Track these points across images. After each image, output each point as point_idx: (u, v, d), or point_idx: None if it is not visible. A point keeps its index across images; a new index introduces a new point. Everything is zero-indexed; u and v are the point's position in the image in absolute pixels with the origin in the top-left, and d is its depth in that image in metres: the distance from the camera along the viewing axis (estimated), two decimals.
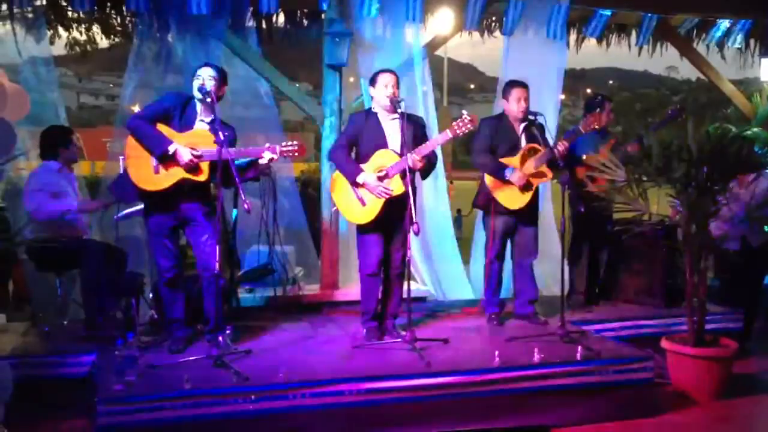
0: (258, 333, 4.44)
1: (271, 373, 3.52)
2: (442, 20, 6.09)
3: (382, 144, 4.22)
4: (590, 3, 6.09)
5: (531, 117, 4.58)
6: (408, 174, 3.97)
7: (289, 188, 6.15)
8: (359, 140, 4.26)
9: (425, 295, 5.79)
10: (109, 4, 5.62)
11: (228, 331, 4.16)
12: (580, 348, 4.02)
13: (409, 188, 3.97)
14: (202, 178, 3.88)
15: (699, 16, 6.57)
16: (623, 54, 7.36)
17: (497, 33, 6.52)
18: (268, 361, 3.80)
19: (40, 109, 5.31)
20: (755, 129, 6.60)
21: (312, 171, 10.51)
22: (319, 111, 5.57)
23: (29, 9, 5.26)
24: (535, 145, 4.61)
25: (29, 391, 3.76)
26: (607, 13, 6.14)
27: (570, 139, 4.58)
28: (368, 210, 4.17)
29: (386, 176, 4.13)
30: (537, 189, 4.71)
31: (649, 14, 6.21)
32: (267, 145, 3.92)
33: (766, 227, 5.22)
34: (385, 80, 4.22)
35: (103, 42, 7.34)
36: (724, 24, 6.67)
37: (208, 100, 3.88)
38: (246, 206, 3.63)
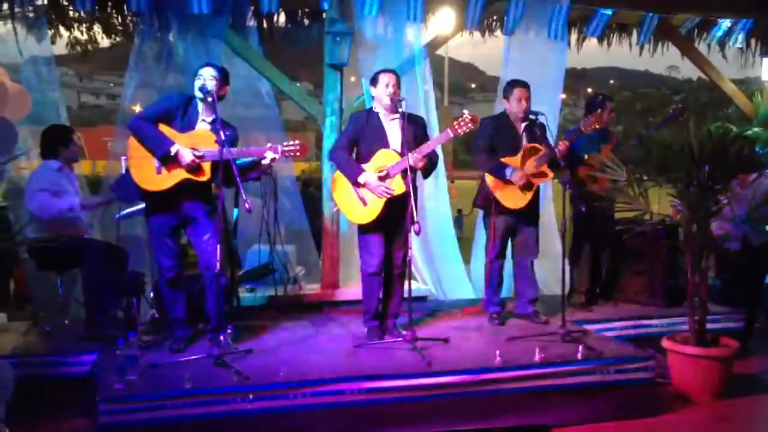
0: (259, 332, 4.44)
1: (271, 373, 3.52)
2: (443, 20, 6.09)
3: (383, 144, 4.22)
4: (591, 2, 6.08)
5: (532, 116, 4.58)
6: (409, 173, 3.97)
7: (290, 187, 6.14)
8: (360, 140, 4.26)
9: (426, 295, 5.80)
10: (110, 3, 5.61)
11: (229, 331, 4.14)
12: (580, 348, 4.01)
13: (410, 188, 3.97)
14: (204, 178, 3.88)
15: (700, 16, 6.57)
16: (624, 53, 7.37)
17: (498, 32, 6.51)
18: (269, 360, 3.80)
19: (42, 108, 5.31)
20: (756, 129, 6.58)
21: (313, 170, 10.53)
22: (320, 110, 5.57)
23: (30, 8, 5.27)
24: (536, 145, 4.61)
25: (30, 390, 3.76)
26: (608, 12, 6.13)
27: (571, 139, 4.59)
28: (370, 210, 4.17)
29: (387, 176, 4.13)
30: (538, 189, 4.71)
31: (650, 14, 6.21)
32: (269, 144, 3.92)
33: (767, 227, 5.23)
34: (386, 80, 4.22)
35: (104, 41, 7.37)
36: (725, 23, 6.67)
37: (210, 99, 3.87)
38: (247, 206, 3.62)
